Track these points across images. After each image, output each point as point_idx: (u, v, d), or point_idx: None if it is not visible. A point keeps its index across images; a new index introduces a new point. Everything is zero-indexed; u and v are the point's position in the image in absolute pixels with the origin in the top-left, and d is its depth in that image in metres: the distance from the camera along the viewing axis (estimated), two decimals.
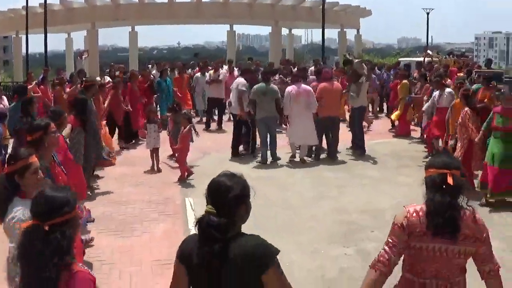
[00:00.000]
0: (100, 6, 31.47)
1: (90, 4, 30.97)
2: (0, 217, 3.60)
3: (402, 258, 2.98)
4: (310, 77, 12.60)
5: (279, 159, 10.92)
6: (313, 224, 7.14)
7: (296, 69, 16.06)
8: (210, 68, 16.24)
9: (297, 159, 10.93)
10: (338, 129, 11.35)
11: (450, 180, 2.85)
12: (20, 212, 3.45)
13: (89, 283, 2.55)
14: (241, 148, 11.71)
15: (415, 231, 2.86)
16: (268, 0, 32.58)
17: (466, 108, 8.63)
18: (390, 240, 2.93)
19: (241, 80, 11.67)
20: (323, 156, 11.20)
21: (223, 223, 2.43)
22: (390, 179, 9.45)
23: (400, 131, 13.88)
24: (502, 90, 9.33)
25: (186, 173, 9.61)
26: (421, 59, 19.69)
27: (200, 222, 2.47)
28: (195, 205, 7.77)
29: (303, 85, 10.93)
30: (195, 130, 10.30)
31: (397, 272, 2.99)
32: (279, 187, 9.03)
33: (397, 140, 13.18)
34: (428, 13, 37.90)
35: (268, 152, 10.84)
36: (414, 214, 2.89)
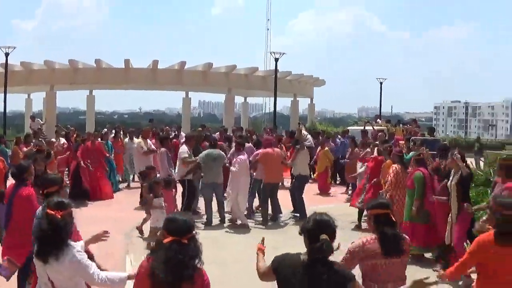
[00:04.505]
0: (59, 69, 31.74)
1: (49, 67, 31.35)
2: (46, 257, 4.01)
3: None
4: (246, 145, 12.92)
5: (225, 222, 11.23)
6: (240, 279, 7.47)
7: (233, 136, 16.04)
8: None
9: (238, 222, 11.21)
10: (276, 195, 11.73)
11: (393, 218, 4.16)
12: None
13: (208, 280, 3.56)
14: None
15: (371, 253, 4.02)
16: (222, 68, 33.54)
17: (396, 165, 9.28)
18: (344, 260, 4.04)
19: (183, 148, 11.79)
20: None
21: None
22: None
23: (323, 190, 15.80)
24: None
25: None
26: (379, 127, 20.67)
27: (321, 246, 3.38)
28: (134, 262, 8.02)
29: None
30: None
31: None
32: (217, 246, 9.33)
33: (344, 206, 12.90)
34: (381, 83, 38.14)
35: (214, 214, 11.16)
36: (371, 241, 4.09)
